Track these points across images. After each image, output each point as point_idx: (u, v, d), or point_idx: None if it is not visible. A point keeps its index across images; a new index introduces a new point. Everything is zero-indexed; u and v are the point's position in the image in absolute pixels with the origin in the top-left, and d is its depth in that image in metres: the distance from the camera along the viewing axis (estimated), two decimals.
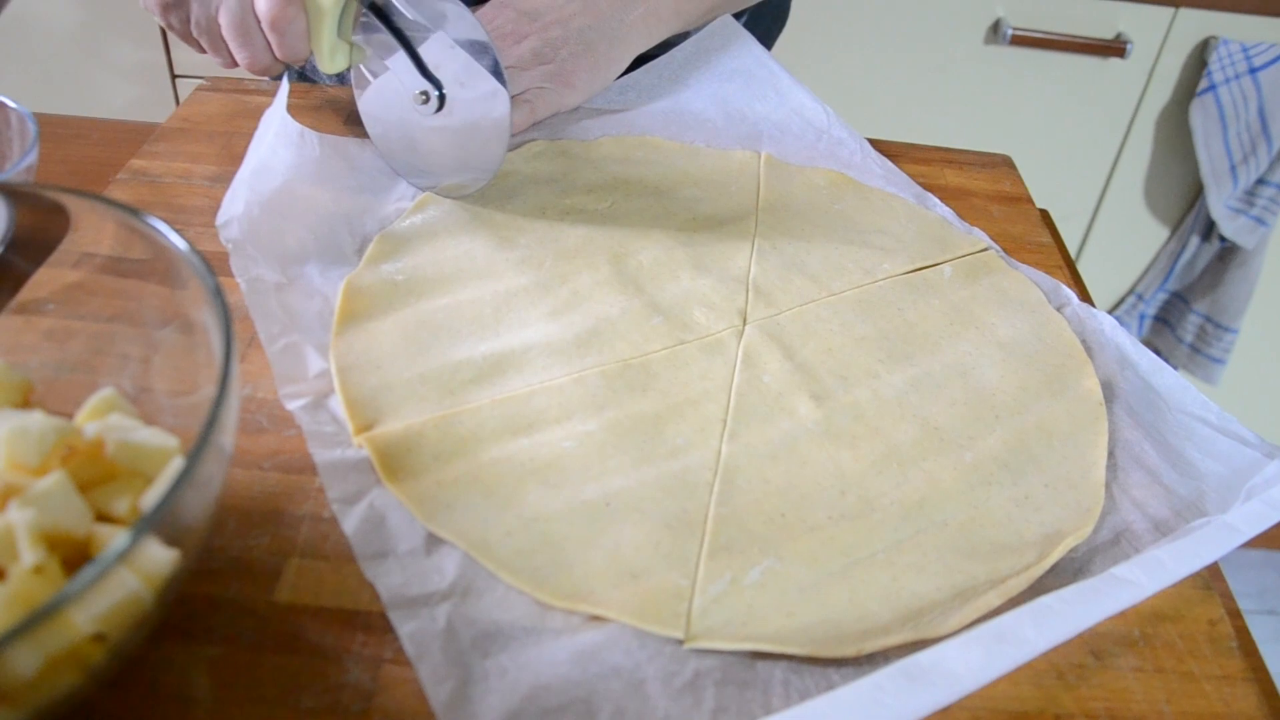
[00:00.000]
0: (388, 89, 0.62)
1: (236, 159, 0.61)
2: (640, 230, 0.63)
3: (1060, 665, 0.41)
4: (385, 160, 0.66)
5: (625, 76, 0.75)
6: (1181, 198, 1.47)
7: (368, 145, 0.67)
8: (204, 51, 0.62)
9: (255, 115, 0.63)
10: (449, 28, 0.59)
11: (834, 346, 0.56)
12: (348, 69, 0.63)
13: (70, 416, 0.41)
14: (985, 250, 0.65)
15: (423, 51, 0.60)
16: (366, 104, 0.65)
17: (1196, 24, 1.33)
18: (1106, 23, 1.33)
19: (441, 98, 0.60)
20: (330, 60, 0.62)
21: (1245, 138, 1.37)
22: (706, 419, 0.50)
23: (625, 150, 0.71)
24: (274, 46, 0.60)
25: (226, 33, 0.60)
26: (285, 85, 0.62)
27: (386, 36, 0.60)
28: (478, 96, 0.60)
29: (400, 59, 0.60)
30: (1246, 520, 0.46)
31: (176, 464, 0.38)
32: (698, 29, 0.79)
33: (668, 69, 0.78)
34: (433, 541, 0.43)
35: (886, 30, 1.35)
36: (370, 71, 0.63)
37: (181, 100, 0.87)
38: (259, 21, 0.60)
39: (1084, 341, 0.59)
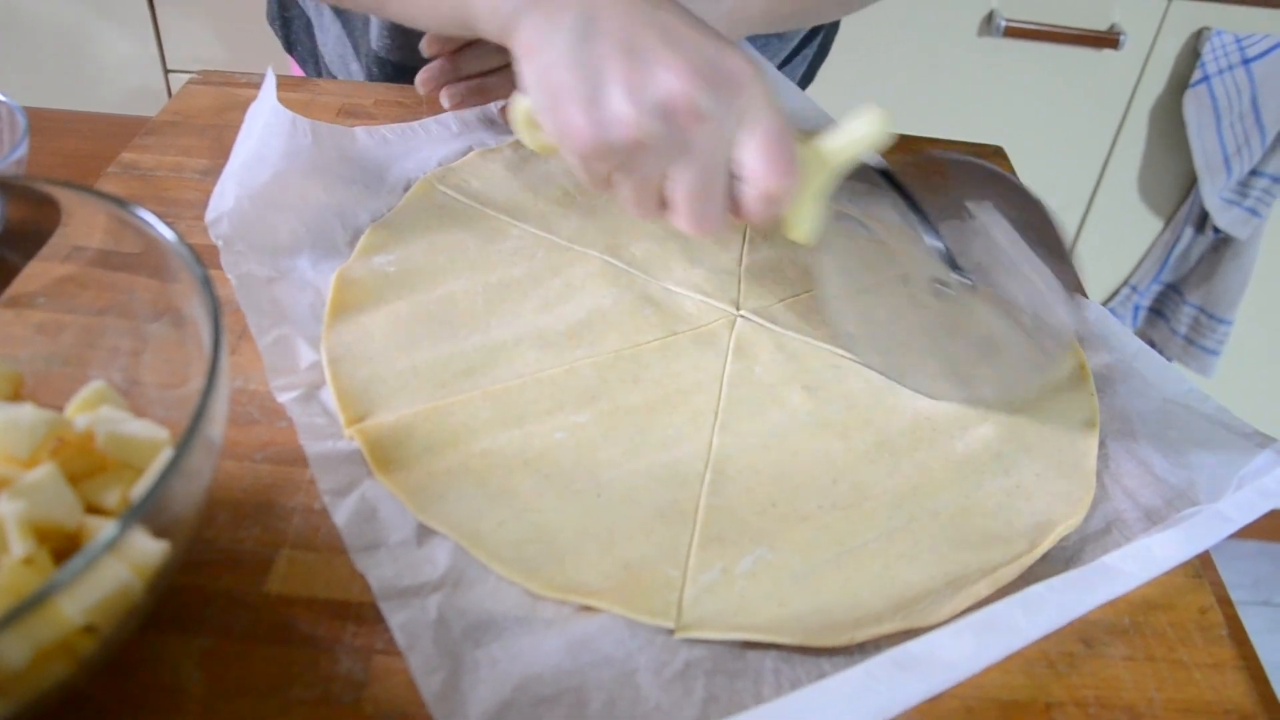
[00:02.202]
0: (866, 259, 0.51)
1: (228, 152, 0.61)
2: (632, 222, 0.63)
3: (1051, 653, 0.42)
4: (842, 343, 0.55)
5: None
6: (1175, 189, 1.47)
7: (359, 135, 0.67)
8: (602, 189, 0.50)
9: (246, 108, 0.63)
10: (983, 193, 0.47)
11: (826, 337, 0.56)
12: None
13: (61, 409, 0.41)
14: None
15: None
16: (827, 275, 0.54)
17: (1190, 15, 1.33)
18: (1100, 14, 1.33)
19: (970, 288, 0.49)
20: (807, 227, 0.50)
21: (1239, 129, 1.37)
22: (698, 410, 0.50)
23: None
24: (749, 213, 0.48)
25: (687, 195, 0.47)
26: (271, 77, 0.62)
27: (884, 203, 0.49)
28: (1018, 297, 0.48)
29: (906, 232, 0.49)
30: (1238, 509, 0.46)
31: (166, 455, 0.38)
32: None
33: None
34: (424, 532, 0.43)
35: (880, 22, 1.35)
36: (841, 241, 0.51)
37: (173, 94, 0.88)
38: (733, 180, 0.48)
39: (1076, 331, 0.59)
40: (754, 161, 0.46)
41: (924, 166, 0.49)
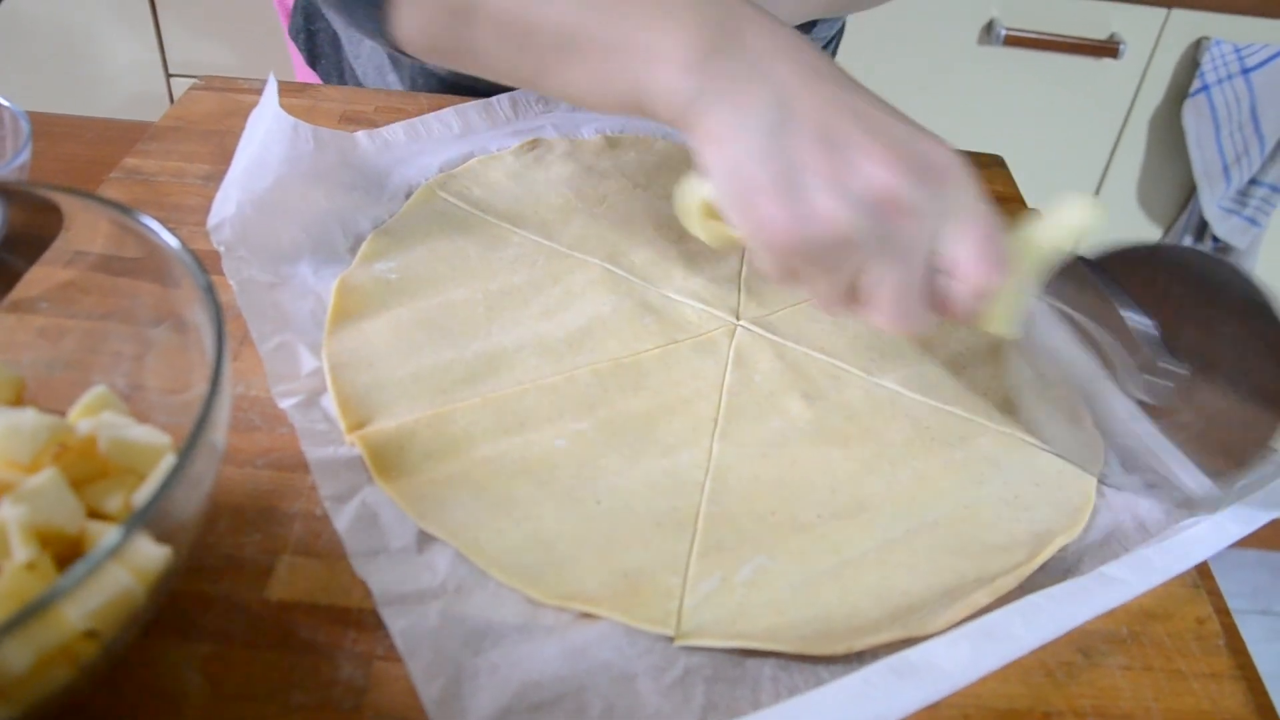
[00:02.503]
0: (1062, 349, 0.49)
1: (230, 157, 0.61)
2: (633, 229, 0.63)
3: (1049, 663, 0.42)
4: (1033, 432, 0.52)
5: None
6: (1174, 198, 1.48)
7: (361, 140, 0.67)
8: (789, 283, 0.47)
9: (248, 114, 0.63)
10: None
11: (826, 346, 0.56)
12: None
13: (63, 414, 0.41)
14: None
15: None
16: (1020, 364, 0.52)
17: (1189, 24, 1.33)
18: (1100, 23, 1.34)
19: (1181, 378, 0.46)
20: (1010, 320, 0.47)
21: (1238, 138, 1.37)
22: (698, 418, 0.51)
23: (619, 148, 0.71)
24: (955, 308, 0.45)
25: (892, 293, 0.44)
26: (273, 83, 0.62)
27: (1089, 290, 0.46)
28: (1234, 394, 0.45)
29: (1111, 320, 0.46)
30: (1236, 520, 0.46)
31: (168, 461, 0.38)
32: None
33: None
34: (424, 539, 0.43)
35: (880, 30, 1.35)
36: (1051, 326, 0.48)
37: (175, 99, 0.88)
38: (936, 274, 0.45)
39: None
40: (967, 258, 0.43)
41: (1132, 255, 0.47)
